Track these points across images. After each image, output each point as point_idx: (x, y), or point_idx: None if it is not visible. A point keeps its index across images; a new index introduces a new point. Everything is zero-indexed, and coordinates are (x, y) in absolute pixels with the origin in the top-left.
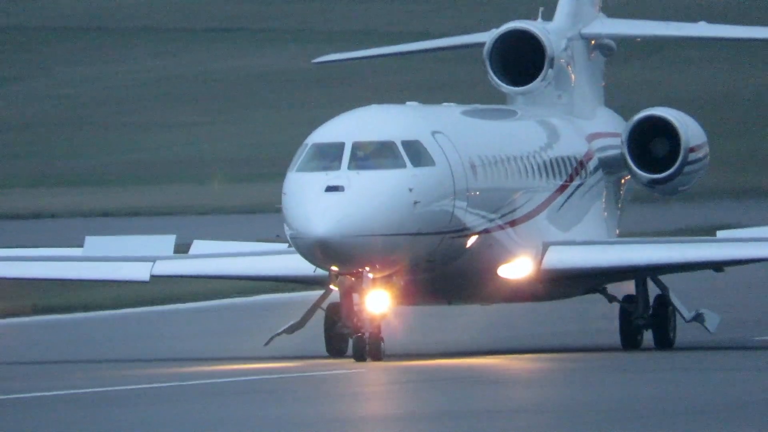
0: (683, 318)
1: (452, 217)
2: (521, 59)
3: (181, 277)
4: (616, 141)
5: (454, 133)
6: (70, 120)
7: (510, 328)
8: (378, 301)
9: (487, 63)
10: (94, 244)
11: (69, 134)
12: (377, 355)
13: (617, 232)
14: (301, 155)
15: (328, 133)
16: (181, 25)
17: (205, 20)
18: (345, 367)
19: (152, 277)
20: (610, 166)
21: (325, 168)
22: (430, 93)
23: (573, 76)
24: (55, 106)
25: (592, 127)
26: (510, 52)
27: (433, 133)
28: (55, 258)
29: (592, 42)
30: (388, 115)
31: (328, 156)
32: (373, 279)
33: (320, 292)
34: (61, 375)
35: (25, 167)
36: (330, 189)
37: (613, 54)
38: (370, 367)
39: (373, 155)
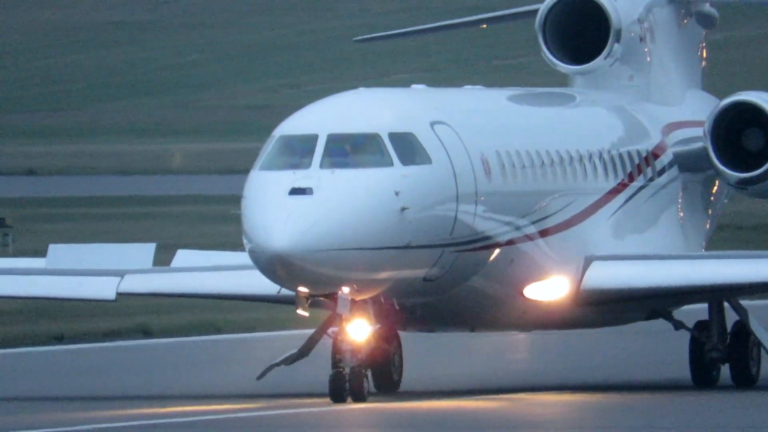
0: (767, 350)
1: (455, 226)
2: (582, 31)
3: (152, 295)
4: None
5: (465, 124)
6: None
7: (550, 360)
8: (360, 329)
9: (540, 36)
10: (59, 253)
11: None
12: (360, 394)
13: (703, 245)
14: (267, 150)
15: (299, 122)
16: None
17: None
18: (319, 407)
19: (119, 295)
20: (694, 163)
21: (294, 166)
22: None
23: (650, 52)
24: None
25: (675, 114)
26: (568, 22)
27: (433, 123)
28: (7, 271)
29: (686, 7)
30: (374, 102)
31: (298, 151)
32: (354, 302)
33: None
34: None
35: None
36: (295, 192)
37: (714, 25)
38: (349, 409)
39: (352, 151)
